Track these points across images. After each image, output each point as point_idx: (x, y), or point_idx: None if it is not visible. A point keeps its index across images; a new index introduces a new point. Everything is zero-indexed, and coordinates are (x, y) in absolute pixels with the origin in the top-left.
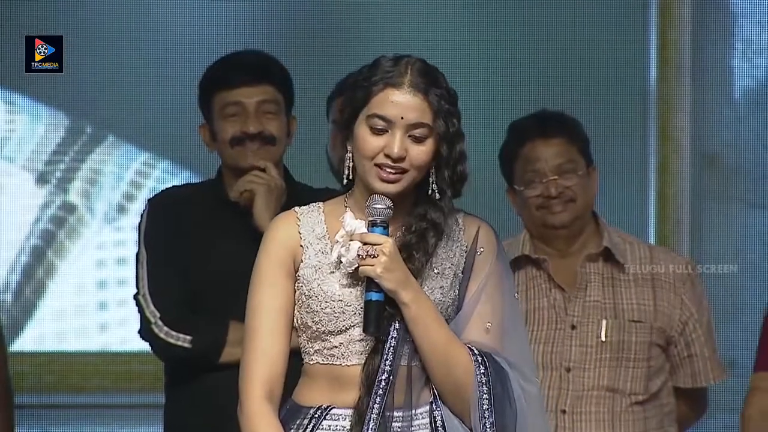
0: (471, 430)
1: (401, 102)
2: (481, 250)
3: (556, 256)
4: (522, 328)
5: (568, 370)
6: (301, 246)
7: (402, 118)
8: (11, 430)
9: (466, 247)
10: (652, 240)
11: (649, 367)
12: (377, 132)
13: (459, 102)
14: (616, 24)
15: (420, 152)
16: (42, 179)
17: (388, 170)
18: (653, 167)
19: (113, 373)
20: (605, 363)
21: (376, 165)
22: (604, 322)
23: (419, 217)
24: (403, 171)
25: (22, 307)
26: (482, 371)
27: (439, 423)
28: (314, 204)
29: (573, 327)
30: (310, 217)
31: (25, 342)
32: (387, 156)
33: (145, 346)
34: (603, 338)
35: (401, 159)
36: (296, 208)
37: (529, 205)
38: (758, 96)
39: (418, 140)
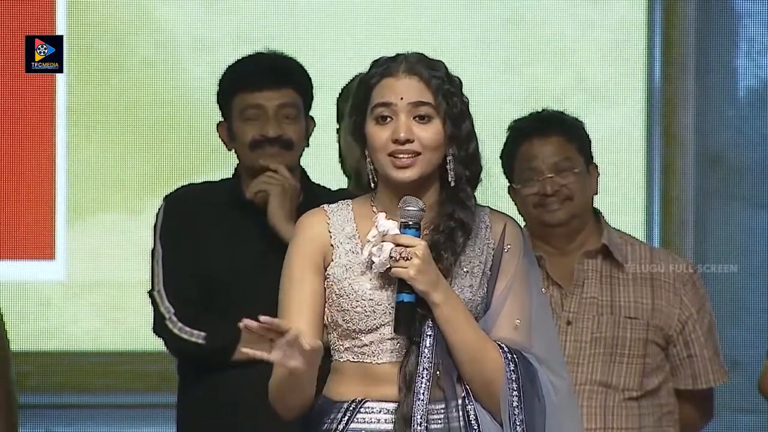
0: (501, 425)
1: (399, 85)
2: (509, 246)
3: (554, 254)
4: (550, 323)
5: None
6: (332, 245)
7: (402, 99)
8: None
9: (493, 244)
10: (656, 239)
11: (644, 364)
12: (383, 122)
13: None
14: (620, 23)
15: (427, 132)
16: None
17: (401, 156)
18: (657, 167)
19: (120, 373)
20: (599, 358)
21: (390, 156)
22: (599, 318)
23: (447, 216)
24: (416, 154)
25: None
26: (512, 368)
27: (472, 417)
28: (343, 202)
29: (568, 323)
30: (339, 216)
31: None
32: (395, 141)
33: (152, 345)
34: (597, 333)
35: (409, 141)
36: (325, 206)
37: (526, 203)
38: (762, 96)
39: (423, 120)
